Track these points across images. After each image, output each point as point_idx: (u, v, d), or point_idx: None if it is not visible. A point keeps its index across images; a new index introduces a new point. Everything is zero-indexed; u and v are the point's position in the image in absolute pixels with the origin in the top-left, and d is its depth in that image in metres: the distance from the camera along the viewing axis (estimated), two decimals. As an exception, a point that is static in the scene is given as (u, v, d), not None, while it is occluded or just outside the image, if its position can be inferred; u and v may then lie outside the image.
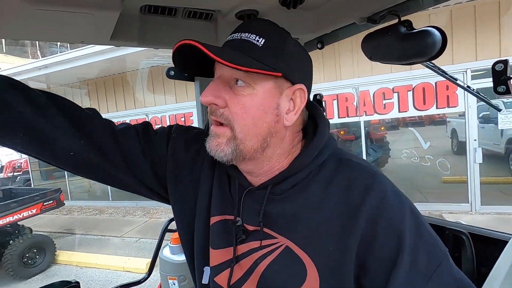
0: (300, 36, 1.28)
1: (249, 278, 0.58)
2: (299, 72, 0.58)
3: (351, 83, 5.59)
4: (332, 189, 0.56)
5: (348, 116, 5.74)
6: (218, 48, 0.52)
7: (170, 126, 0.73)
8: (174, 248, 1.23)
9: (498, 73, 0.88)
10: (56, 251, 5.17)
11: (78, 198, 9.10)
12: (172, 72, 1.32)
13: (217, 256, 0.61)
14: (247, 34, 0.54)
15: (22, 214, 4.86)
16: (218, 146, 0.55)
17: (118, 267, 4.72)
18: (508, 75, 0.87)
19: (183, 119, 7.23)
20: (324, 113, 0.64)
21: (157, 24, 1.08)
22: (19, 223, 5.01)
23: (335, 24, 1.19)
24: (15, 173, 12.85)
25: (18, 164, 13.55)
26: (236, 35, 0.56)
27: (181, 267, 1.17)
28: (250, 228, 0.59)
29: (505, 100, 4.94)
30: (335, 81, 5.68)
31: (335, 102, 5.75)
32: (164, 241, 1.29)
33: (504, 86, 0.89)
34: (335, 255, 0.53)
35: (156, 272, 1.29)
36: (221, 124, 0.56)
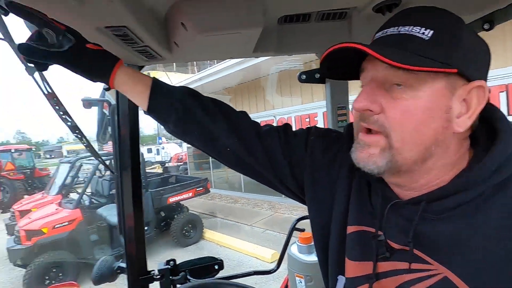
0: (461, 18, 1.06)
1: None
2: (477, 66, 0.47)
3: (499, 73, 4.15)
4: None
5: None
6: (378, 47, 0.46)
7: (308, 128, 0.73)
8: (302, 247, 1.26)
9: None
10: (203, 229, 6.35)
11: (219, 187, 10.83)
12: (304, 76, 1.37)
13: (353, 268, 0.57)
14: (407, 27, 0.46)
15: (182, 196, 6.23)
16: (370, 157, 0.49)
17: (248, 252, 5.31)
18: None
19: (308, 119, 7.36)
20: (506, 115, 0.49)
21: (293, 31, 1.13)
22: (180, 202, 6.46)
23: (514, -5, 0.91)
24: (178, 163, 16.66)
25: (180, 156, 17.51)
26: (392, 29, 0.48)
27: (308, 267, 1.19)
28: (395, 246, 0.51)
29: None
30: (503, 68, 4.36)
31: (503, 95, 4.42)
32: (292, 238, 1.36)
33: None
34: None
35: (284, 265, 1.38)
36: (372, 132, 0.49)
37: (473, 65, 0.46)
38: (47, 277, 4.47)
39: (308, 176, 0.66)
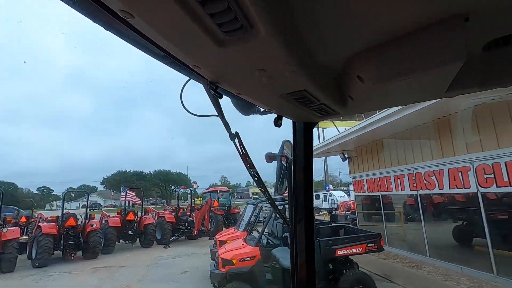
0: None
1: None
2: None
3: None
4: None
5: None
6: None
7: None
8: None
9: None
10: (377, 294, 5.47)
11: (394, 245, 9.27)
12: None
13: None
14: None
15: (352, 250, 5.75)
16: None
17: None
18: None
19: (531, 166, 5.21)
20: None
21: (504, 58, 0.85)
22: (350, 257, 5.97)
23: None
24: (346, 212, 15.97)
25: (348, 205, 16.79)
26: None
27: None
28: None
29: None
30: None
31: None
32: None
33: None
34: None
35: None
36: None
37: None
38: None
39: None
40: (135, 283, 7.87)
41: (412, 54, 0.66)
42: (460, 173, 6.69)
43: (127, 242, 13.34)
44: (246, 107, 1.00)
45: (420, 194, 8.07)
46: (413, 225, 8.60)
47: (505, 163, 5.68)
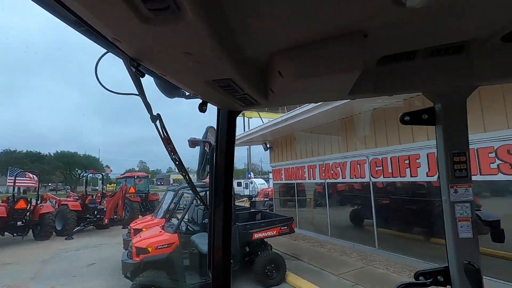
0: None
1: None
2: None
3: None
4: None
5: None
6: None
7: None
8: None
9: None
10: (286, 271, 6.07)
11: (303, 227, 10.39)
12: (407, 118, 1.22)
13: None
14: None
15: (267, 233, 6.21)
16: None
17: (334, 307, 4.73)
18: None
19: (407, 161, 6.52)
20: None
21: (394, 72, 1.05)
22: (265, 239, 6.43)
23: None
24: (264, 199, 17.01)
25: (267, 192, 17.89)
26: None
27: None
28: None
29: None
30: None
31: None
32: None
33: None
34: None
35: None
36: None
37: None
38: (146, 294, 5.00)
39: None
40: (26, 281, 6.76)
41: (323, 58, 0.76)
42: (359, 165, 7.89)
43: (14, 235, 11.25)
44: (170, 89, 0.97)
45: (327, 183, 9.21)
46: (320, 209, 9.79)
47: (390, 158, 6.95)
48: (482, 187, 5.34)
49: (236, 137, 1.29)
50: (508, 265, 4.26)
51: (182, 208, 8.50)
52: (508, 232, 1.17)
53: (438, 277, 1.21)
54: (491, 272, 4.46)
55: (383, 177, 7.21)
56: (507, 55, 0.94)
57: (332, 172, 8.92)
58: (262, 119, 16.25)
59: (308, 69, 0.80)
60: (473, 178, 1.17)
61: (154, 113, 0.87)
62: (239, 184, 27.65)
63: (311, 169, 9.91)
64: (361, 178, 7.86)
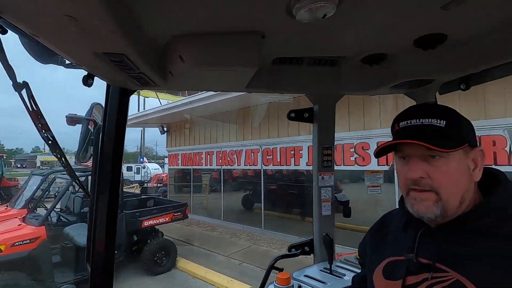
0: (437, 77, 1.14)
1: None
2: (473, 136, 0.73)
3: (502, 123, 4.47)
4: None
5: (496, 164, 4.54)
6: (421, 137, 0.67)
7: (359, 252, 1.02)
8: (279, 288, 1.22)
9: None
10: (177, 257, 6.03)
11: (198, 213, 10.50)
12: (293, 115, 1.41)
13: (389, 285, 0.77)
14: (426, 119, 0.70)
15: (159, 220, 5.97)
16: (428, 208, 0.68)
17: (222, 285, 5.04)
18: None
19: (292, 152, 7.46)
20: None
21: (285, 73, 1.18)
22: (156, 227, 6.17)
23: (487, 63, 1.00)
24: (158, 185, 16.17)
25: (161, 178, 17.06)
26: (415, 121, 0.71)
27: (284, 311, 1.14)
28: (424, 261, 0.71)
29: None
30: (478, 120, 4.68)
31: (476, 145, 4.68)
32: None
33: None
34: None
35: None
36: (425, 191, 0.69)
37: (472, 136, 0.72)
38: (-5, 302, 4.03)
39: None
40: None
41: (224, 50, 0.79)
42: (252, 153, 8.51)
43: None
44: (43, 53, 0.80)
45: (223, 169, 9.55)
46: (215, 195, 10.08)
47: (279, 148, 7.79)
48: (344, 175, 6.69)
49: (128, 117, 1.18)
50: (352, 235, 5.55)
51: (54, 195, 7.14)
52: (353, 210, 1.54)
53: (305, 248, 1.48)
54: (339, 241, 5.70)
55: (273, 165, 8.03)
56: (364, 73, 1.21)
57: (228, 159, 9.29)
58: (160, 100, 15.24)
59: (209, 58, 0.82)
60: (338, 168, 1.47)
61: (19, 80, 0.70)
62: (129, 169, 25.23)
63: (209, 156, 10.03)
64: (254, 165, 8.50)
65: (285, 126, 7.66)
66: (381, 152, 0.76)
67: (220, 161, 9.56)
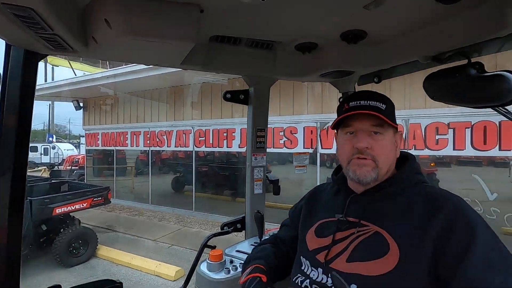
0: (357, 70, 1.29)
1: (346, 249, 0.83)
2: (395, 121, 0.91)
3: (401, 114, 5.34)
4: (417, 201, 0.81)
5: (395, 148, 5.45)
6: (377, 113, 0.83)
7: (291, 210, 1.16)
8: (212, 265, 1.24)
9: None
10: (97, 245, 5.55)
11: (122, 197, 9.75)
12: (229, 95, 1.41)
13: (319, 242, 0.92)
14: (372, 102, 0.86)
15: (74, 206, 5.34)
16: (367, 173, 0.84)
17: (149, 270, 4.88)
18: None
19: (225, 134, 7.49)
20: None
21: (222, 52, 1.16)
22: (71, 214, 5.51)
23: (396, 60, 1.17)
24: (73, 167, 14.29)
25: (76, 159, 15.09)
26: (363, 102, 0.86)
27: (218, 285, 1.18)
28: (352, 219, 0.87)
29: None
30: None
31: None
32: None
33: None
34: (414, 241, 0.74)
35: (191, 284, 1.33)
36: (367, 159, 0.84)
37: (395, 121, 0.90)
38: None
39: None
40: None
41: (159, 20, 0.73)
42: (184, 135, 8.22)
43: None
44: None
45: (151, 150, 9.00)
46: (142, 178, 9.49)
47: (212, 130, 7.72)
48: (273, 157, 7.07)
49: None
50: (280, 211, 6.02)
51: None
52: (282, 188, 1.67)
53: (238, 225, 1.55)
54: (266, 218, 6.12)
55: (205, 147, 7.93)
56: (297, 60, 1.28)
57: (157, 140, 8.78)
58: (74, 70, 13.24)
59: (142, 27, 0.75)
60: (269, 150, 1.55)
61: None
62: (33, 149, 21.50)
63: (135, 136, 9.29)
64: (185, 147, 8.25)
65: (219, 107, 7.59)
66: (336, 125, 0.91)
67: (148, 142, 8.97)
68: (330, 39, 1.09)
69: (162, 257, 5.29)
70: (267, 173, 1.57)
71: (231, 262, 1.28)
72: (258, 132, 1.45)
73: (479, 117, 4.77)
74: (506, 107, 1.07)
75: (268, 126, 1.51)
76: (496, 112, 1.16)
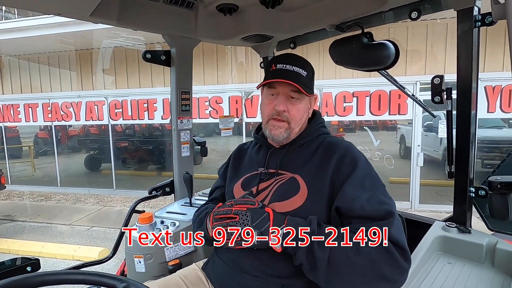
0: (276, 35, 1.38)
1: (268, 195, 0.98)
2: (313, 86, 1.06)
3: (317, 84, 5.86)
4: (320, 148, 1.00)
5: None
6: (292, 79, 0.94)
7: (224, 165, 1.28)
8: (141, 227, 1.25)
9: (435, 86, 1.07)
10: (-8, 239, 4.71)
11: (20, 182, 8.29)
12: (149, 55, 1.33)
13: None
14: (296, 67, 0.97)
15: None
16: (281, 133, 0.98)
17: (67, 255, 4.45)
18: (442, 88, 1.06)
19: (146, 105, 6.95)
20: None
21: (139, 6, 1.09)
22: None
23: (308, 28, 1.30)
24: None
25: None
26: (289, 66, 0.97)
27: (148, 246, 1.20)
28: (272, 171, 1.02)
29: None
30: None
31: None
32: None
33: (439, 97, 1.07)
34: (317, 179, 0.92)
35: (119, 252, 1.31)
36: (282, 121, 0.97)
37: (313, 86, 1.05)
38: None
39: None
40: None
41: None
42: (96, 106, 7.29)
43: None
44: None
45: (55, 126, 7.75)
46: (45, 159, 8.19)
47: (130, 100, 7.05)
48: (199, 129, 6.98)
49: None
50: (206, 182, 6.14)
51: None
52: (206, 161, 1.72)
53: (166, 188, 1.56)
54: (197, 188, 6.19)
55: (123, 120, 7.25)
56: (219, 22, 1.29)
57: (62, 113, 7.57)
58: None
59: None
60: (194, 121, 1.56)
61: None
62: None
63: (31, 109, 7.79)
64: (98, 120, 7.38)
65: (136, 76, 6.93)
66: (262, 85, 1.03)
67: (50, 115, 7.66)
68: (251, 2, 1.13)
69: (81, 240, 4.86)
70: (193, 136, 1.59)
71: (162, 222, 1.30)
72: (183, 95, 1.43)
73: (375, 87, 5.63)
74: (389, 72, 1.33)
75: (193, 96, 1.51)
76: (388, 82, 1.42)
